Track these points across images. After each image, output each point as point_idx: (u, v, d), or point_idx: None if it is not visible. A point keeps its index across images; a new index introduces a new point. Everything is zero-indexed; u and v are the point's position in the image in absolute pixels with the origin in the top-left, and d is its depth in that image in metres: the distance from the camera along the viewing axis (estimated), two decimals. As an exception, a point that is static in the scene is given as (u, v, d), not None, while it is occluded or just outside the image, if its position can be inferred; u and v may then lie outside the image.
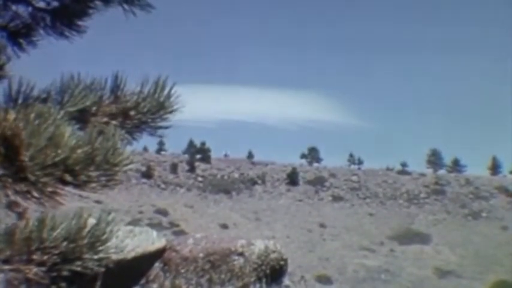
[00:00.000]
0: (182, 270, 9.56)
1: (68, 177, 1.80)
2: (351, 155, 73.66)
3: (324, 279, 43.89)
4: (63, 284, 2.00)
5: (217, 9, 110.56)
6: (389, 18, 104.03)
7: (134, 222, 39.99)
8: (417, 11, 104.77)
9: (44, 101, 2.17)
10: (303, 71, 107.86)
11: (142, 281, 9.23)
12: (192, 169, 65.20)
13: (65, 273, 1.92)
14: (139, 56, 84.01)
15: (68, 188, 1.85)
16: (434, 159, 73.22)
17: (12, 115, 1.77)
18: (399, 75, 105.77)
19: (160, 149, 68.88)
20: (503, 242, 52.59)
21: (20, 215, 10.48)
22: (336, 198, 64.19)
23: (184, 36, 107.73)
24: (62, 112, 1.86)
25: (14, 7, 2.61)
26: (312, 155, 73.50)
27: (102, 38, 52.14)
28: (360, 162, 73.23)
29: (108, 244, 1.96)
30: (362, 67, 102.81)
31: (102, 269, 2.03)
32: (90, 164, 1.79)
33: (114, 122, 2.22)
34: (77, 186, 1.85)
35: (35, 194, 1.84)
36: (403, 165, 71.90)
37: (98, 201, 46.02)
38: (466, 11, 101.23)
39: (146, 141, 37.02)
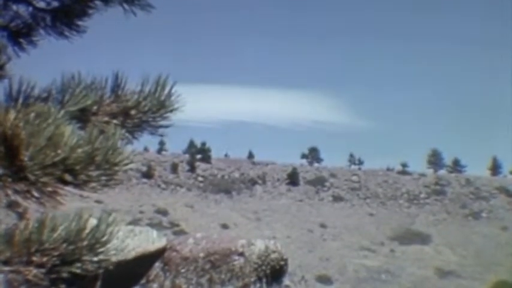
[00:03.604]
0: (182, 270, 9.56)
1: (68, 177, 1.79)
2: (352, 155, 73.72)
3: (324, 279, 43.91)
4: (62, 286, 1.99)
5: (217, 8, 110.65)
6: (389, 18, 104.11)
7: (135, 222, 40.01)
8: (417, 11, 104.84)
9: (45, 100, 2.16)
10: (304, 71, 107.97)
11: (143, 281, 9.23)
12: (192, 169, 65.26)
13: (64, 275, 1.91)
14: (139, 55, 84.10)
15: (68, 188, 1.84)
16: (435, 160, 73.25)
17: (12, 115, 1.76)
18: (399, 75, 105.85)
19: (161, 149, 68.96)
20: (503, 242, 52.63)
21: (21, 215, 10.48)
22: (337, 199, 64.24)
23: (184, 36, 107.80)
24: (62, 111, 1.84)
25: (14, 7, 2.61)
26: (313, 155, 73.56)
27: (102, 36, 52.19)
28: (361, 163, 73.27)
29: (109, 246, 1.95)
30: (362, 67, 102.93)
31: (102, 270, 2.02)
32: (90, 164, 1.78)
33: (114, 121, 2.21)
34: (77, 185, 1.84)
35: (35, 193, 1.83)
36: (404, 165, 71.94)
37: (98, 201, 46.06)
38: (466, 10, 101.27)
39: (147, 141, 37.10)
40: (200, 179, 64.35)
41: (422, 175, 70.12)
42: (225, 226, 52.41)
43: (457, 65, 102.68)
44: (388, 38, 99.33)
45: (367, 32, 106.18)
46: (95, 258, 1.96)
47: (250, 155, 71.62)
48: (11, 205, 12.87)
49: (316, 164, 72.53)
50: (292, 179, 65.73)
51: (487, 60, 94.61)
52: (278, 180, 66.24)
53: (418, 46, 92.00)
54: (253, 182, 65.07)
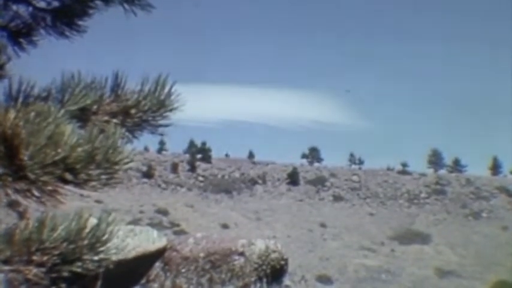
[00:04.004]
0: (183, 270, 9.56)
1: (69, 176, 1.80)
2: (352, 155, 73.69)
3: (324, 279, 43.90)
4: (63, 285, 1.99)
5: (218, 8, 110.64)
6: (389, 19, 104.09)
7: (135, 222, 40.01)
8: (418, 12, 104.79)
9: (45, 99, 2.16)
10: (304, 71, 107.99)
11: (143, 281, 9.24)
12: (192, 169, 65.28)
13: (65, 274, 1.91)
14: (140, 55, 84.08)
15: (69, 187, 1.85)
16: (435, 159, 73.20)
17: (12, 114, 1.76)
18: (399, 75, 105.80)
19: (161, 148, 68.96)
20: (503, 242, 52.63)
21: (21, 215, 10.47)
22: (337, 198, 64.24)
23: (185, 35, 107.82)
24: (62, 111, 1.85)
25: (14, 7, 2.61)
26: (313, 154, 73.54)
27: (102, 36, 52.23)
28: (361, 162, 73.22)
29: (109, 245, 1.95)
30: (362, 67, 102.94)
31: (102, 270, 2.02)
32: (91, 163, 1.78)
33: (114, 121, 2.21)
34: (77, 184, 1.85)
35: (35, 192, 1.83)
36: (404, 165, 71.91)
37: (98, 201, 46.06)
38: (467, 9, 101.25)
39: (147, 140, 37.15)
40: (200, 178, 64.36)
41: (423, 175, 70.09)
42: (225, 226, 52.41)
43: (457, 64, 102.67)
44: (389, 37, 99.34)
45: (367, 31, 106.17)
46: (95, 258, 1.96)
47: (251, 155, 71.62)
48: (12, 204, 12.87)
49: (316, 164, 72.52)
50: (293, 178, 65.74)
51: (487, 60, 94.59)
52: (278, 179, 66.24)
53: (419, 46, 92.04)
54: (254, 182, 65.08)
